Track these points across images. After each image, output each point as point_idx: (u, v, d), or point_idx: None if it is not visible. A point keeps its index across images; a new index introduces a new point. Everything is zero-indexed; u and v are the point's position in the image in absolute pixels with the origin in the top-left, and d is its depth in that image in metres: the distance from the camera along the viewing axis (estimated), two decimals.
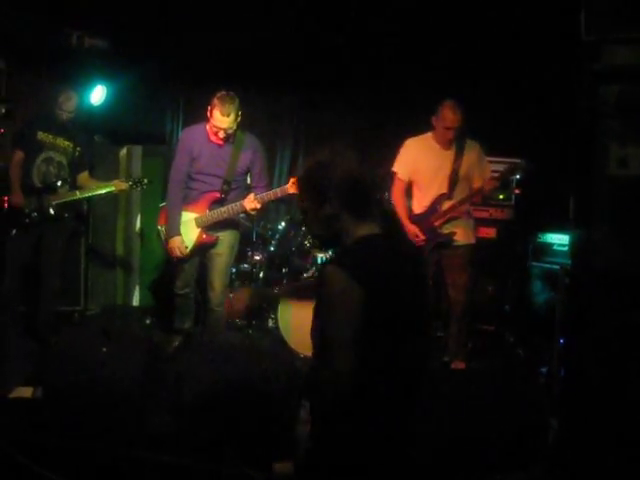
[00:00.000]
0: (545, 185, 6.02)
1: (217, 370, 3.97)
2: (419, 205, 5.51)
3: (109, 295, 7.97)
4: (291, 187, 5.11)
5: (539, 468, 3.54)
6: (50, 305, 6.00)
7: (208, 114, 5.22)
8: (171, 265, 5.67)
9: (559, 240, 6.33)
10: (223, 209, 5.31)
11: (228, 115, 5.14)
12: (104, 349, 4.12)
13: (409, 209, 5.57)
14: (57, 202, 5.76)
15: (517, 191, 6.54)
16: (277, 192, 5.20)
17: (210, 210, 5.35)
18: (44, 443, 3.70)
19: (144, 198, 8.24)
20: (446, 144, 5.39)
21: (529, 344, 6.04)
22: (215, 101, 5.16)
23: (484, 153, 5.56)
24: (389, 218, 2.51)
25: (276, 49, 6.74)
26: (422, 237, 5.36)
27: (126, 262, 8.18)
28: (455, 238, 5.43)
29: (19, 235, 5.75)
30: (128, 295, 8.24)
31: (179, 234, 5.34)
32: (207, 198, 5.37)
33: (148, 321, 7.15)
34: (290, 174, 8.22)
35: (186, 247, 5.39)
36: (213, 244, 5.44)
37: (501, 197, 6.58)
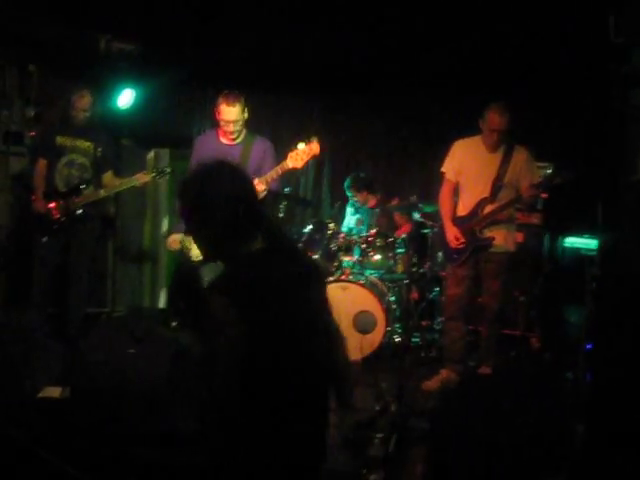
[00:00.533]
0: (573, 189, 5.97)
1: None
2: (463, 207, 5.44)
3: (136, 297, 8.04)
4: (290, 161, 5.11)
5: (565, 474, 3.52)
6: (79, 307, 6.06)
7: (216, 115, 5.28)
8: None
9: (587, 245, 6.28)
10: None
11: (234, 106, 5.18)
12: (131, 350, 4.13)
13: (454, 211, 5.52)
14: (83, 203, 5.80)
15: (545, 195, 6.48)
16: (278, 170, 5.16)
17: None
18: (70, 442, 3.74)
19: (171, 201, 8.30)
20: (493, 147, 5.30)
21: (555, 349, 6.00)
22: (220, 99, 5.23)
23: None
24: (275, 233, 2.44)
25: (303, 54, 6.75)
26: (462, 240, 5.32)
27: (153, 264, 8.24)
28: (494, 243, 5.34)
29: (49, 240, 5.80)
30: (154, 297, 8.29)
31: (178, 233, 5.42)
32: None
33: (174, 323, 7.19)
34: (315, 182, 8.21)
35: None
36: None
37: None
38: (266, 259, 2.48)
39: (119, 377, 4.01)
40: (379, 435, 3.76)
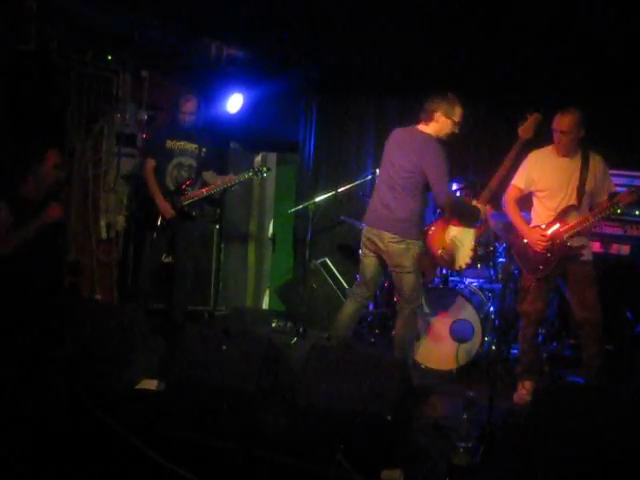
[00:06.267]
0: None
1: (335, 377, 3.99)
2: (539, 218, 5.24)
3: (239, 297, 8.21)
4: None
5: None
6: (183, 304, 6.30)
7: None
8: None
9: None
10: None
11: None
12: (224, 347, 4.24)
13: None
14: (187, 202, 6.05)
15: None
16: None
17: None
18: (162, 432, 3.88)
19: (276, 205, 8.45)
20: (564, 152, 5.10)
21: None
22: None
23: (608, 166, 5.24)
24: None
25: (405, 59, 6.75)
26: (548, 242, 5.13)
27: (257, 266, 8.40)
28: (582, 252, 5.12)
29: (157, 237, 6.06)
30: (258, 298, 8.45)
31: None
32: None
33: (274, 324, 7.32)
34: None
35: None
36: None
37: (637, 213, 6.33)
38: None
39: (211, 372, 4.13)
40: (463, 444, 3.72)
